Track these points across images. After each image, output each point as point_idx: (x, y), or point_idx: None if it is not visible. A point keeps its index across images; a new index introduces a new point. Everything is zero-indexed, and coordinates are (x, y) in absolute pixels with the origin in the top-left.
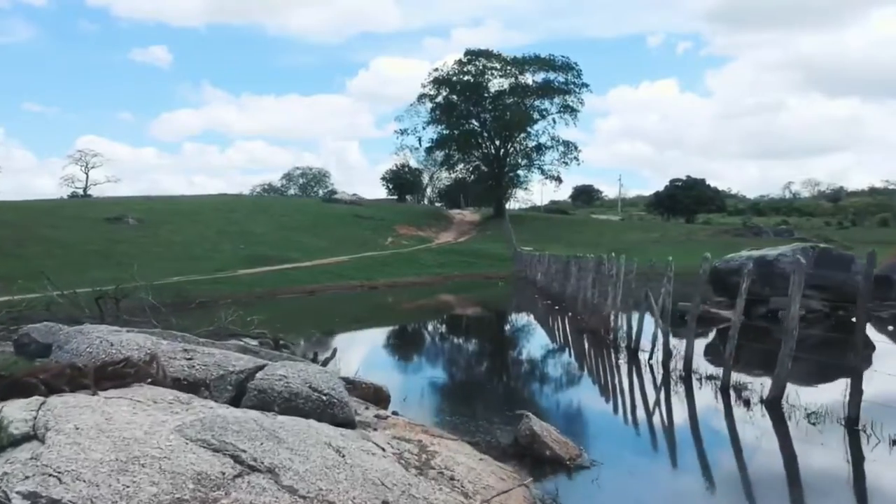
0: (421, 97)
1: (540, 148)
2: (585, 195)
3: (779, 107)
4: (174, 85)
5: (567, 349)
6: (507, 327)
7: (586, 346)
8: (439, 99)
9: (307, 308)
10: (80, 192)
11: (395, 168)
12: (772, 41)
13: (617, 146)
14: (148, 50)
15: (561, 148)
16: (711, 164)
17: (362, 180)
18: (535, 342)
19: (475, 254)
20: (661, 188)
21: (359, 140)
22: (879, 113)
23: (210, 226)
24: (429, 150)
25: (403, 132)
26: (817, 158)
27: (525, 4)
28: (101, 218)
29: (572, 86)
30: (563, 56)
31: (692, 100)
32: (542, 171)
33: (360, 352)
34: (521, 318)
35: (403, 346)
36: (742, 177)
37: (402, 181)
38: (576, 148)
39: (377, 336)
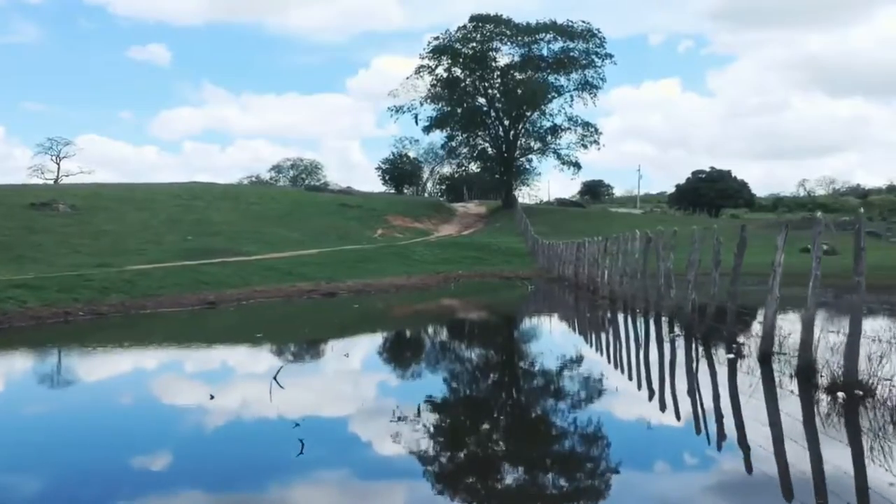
0: (419, 69)
1: (555, 129)
2: (594, 191)
3: (783, 106)
4: (174, 83)
5: None
6: None
7: None
8: (440, 71)
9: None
10: (51, 182)
11: (391, 157)
12: (775, 40)
13: (620, 146)
14: (147, 48)
15: (579, 129)
16: (715, 163)
17: (364, 179)
18: None
19: (485, 248)
20: (666, 188)
21: (360, 139)
22: (884, 112)
23: (158, 214)
24: (427, 130)
25: (398, 110)
26: (822, 158)
27: (528, 4)
28: (25, 204)
29: (594, 56)
30: (583, 21)
31: (695, 99)
32: (559, 156)
33: None
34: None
35: None
36: (746, 176)
37: (399, 172)
38: (596, 130)
39: None
